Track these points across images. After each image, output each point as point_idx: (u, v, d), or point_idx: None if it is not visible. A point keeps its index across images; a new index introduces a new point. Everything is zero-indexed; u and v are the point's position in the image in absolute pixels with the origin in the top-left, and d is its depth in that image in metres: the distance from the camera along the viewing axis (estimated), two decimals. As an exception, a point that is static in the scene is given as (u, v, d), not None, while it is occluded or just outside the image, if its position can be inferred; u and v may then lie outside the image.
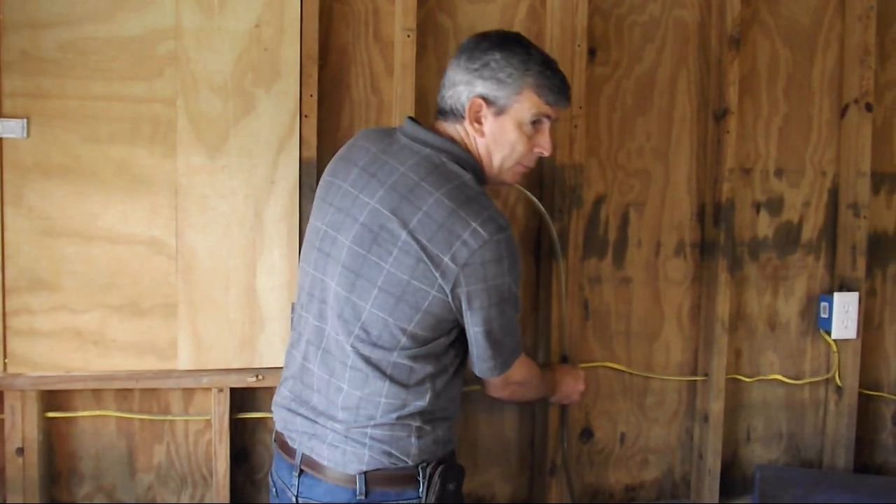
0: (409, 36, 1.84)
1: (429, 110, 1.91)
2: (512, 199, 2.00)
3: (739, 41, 2.06)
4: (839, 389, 2.21)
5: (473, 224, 1.36)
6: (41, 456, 1.76)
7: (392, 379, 1.42)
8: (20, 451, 1.74)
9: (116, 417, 1.82)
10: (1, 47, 1.67)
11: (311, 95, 1.80)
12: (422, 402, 1.43)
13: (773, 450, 2.24)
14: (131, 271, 1.75)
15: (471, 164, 1.47)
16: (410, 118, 1.52)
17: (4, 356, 1.71)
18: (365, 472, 1.42)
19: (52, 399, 1.78)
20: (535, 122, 1.49)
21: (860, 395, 2.23)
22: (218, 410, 1.82)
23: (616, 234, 2.08)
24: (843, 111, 2.19)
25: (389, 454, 1.42)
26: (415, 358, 1.42)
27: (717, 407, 2.11)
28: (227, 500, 1.84)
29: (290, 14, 1.78)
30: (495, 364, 1.49)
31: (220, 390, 1.81)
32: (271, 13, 1.77)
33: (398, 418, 1.42)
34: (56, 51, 1.69)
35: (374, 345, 1.41)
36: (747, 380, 2.19)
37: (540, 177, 2.00)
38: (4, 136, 1.68)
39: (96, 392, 1.80)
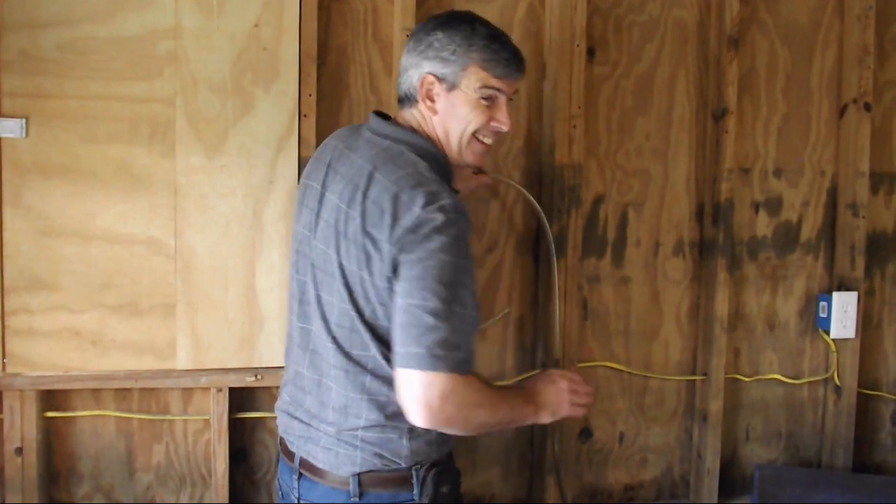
0: (407, 35, 1.84)
1: (428, 110, 1.92)
2: (510, 199, 2.00)
3: (738, 41, 2.06)
4: (838, 389, 2.22)
5: (415, 207, 1.34)
6: (40, 456, 1.76)
7: (373, 375, 1.41)
8: (19, 450, 1.74)
9: (115, 417, 1.82)
10: (0, 47, 1.67)
11: (310, 95, 1.80)
12: None
13: (772, 449, 2.24)
14: (130, 271, 1.75)
15: (430, 152, 1.45)
16: (375, 112, 1.52)
17: (3, 356, 1.71)
18: (358, 474, 1.42)
19: (51, 399, 1.78)
20: (490, 97, 1.46)
21: (859, 394, 2.23)
22: (217, 410, 1.82)
23: (615, 234, 2.08)
24: (842, 111, 2.19)
25: (381, 456, 1.42)
26: (388, 355, 1.40)
27: (715, 406, 2.11)
28: (226, 500, 1.83)
29: (288, 14, 1.78)
30: (420, 354, 1.31)
31: (219, 390, 1.81)
32: (270, 13, 1.77)
33: (387, 418, 1.41)
34: (55, 50, 1.69)
35: (350, 341, 1.41)
36: (746, 379, 2.20)
37: (539, 176, 2.00)
38: (3, 135, 1.68)
39: (95, 392, 1.80)
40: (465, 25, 1.46)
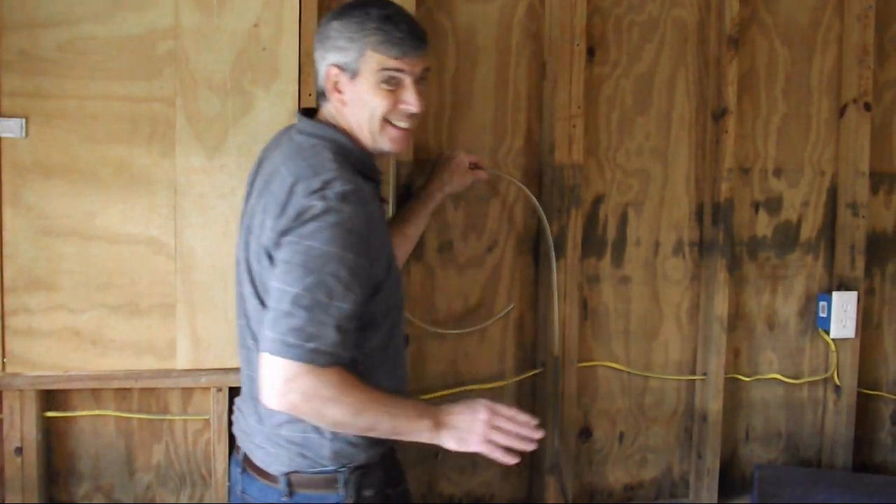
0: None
1: (427, 110, 1.90)
2: (510, 198, 2.00)
3: (738, 41, 2.06)
4: (838, 389, 2.22)
5: (301, 196, 1.33)
6: (40, 455, 1.76)
7: None
8: (19, 450, 1.74)
9: (115, 417, 1.82)
10: (0, 46, 1.67)
11: (310, 95, 1.79)
12: None
13: (771, 449, 2.24)
14: (130, 271, 1.75)
15: (343, 145, 1.44)
16: (303, 109, 1.54)
17: (3, 356, 1.71)
18: (287, 474, 1.43)
19: (51, 399, 1.78)
20: (392, 80, 1.43)
21: (859, 394, 2.23)
22: (217, 410, 1.81)
23: (615, 234, 2.08)
24: (842, 111, 2.19)
25: (305, 456, 1.42)
26: None
27: (715, 406, 2.11)
28: (226, 500, 1.83)
29: (288, 13, 1.77)
30: (272, 338, 1.30)
31: (219, 389, 1.81)
32: (270, 12, 1.76)
33: None
34: (55, 50, 1.69)
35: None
36: (746, 379, 2.20)
37: (539, 176, 2.00)
38: (3, 135, 1.68)
39: (95, 392, 1.80)
40: (358, 11, 1.44)
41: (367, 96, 1.44)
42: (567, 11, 1.94)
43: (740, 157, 2.14)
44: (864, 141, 2.17)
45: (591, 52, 2.01)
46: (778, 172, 2.18)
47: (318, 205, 1.32)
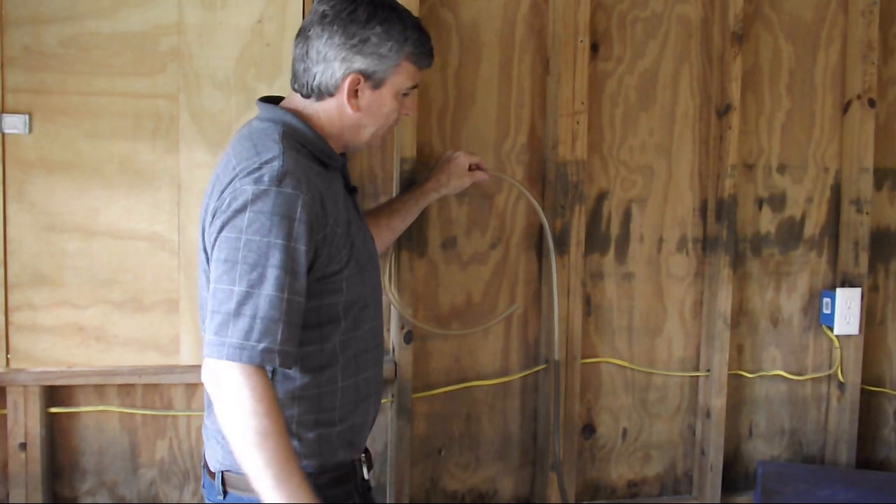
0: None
1: (430, 106, 1.91)
2: (514, 195, 2.00)
3: (742, 37, 2.06)
4: (841, 385, 2.21)
5: (235, 177, 1.28)
6: (44, 451, 1.76)
7: None
8: (23, 446, 1.74)
9: (119, 413, 1.82)
10: (3, 43, 1.67)
11: (314, 91, 1.79)
12: None
13: (775, 446, 2.24)
14: (133, 267, 1.75)
15: (292, 125, 1.37)
16: (263, 98, 1.47)
17: (7, 351, 1.72)
18: (222, 472, 1.39)
19: (55, 394, 1.78)
20: (413, 88, 1.44)
21: (862, 390, 2.23)
22: (220, 406, 1.82)
23: (618, 230, 2.07)
24: (846, 107, 2.19)
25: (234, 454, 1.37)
26: None
27: (719, 403, 2.11)
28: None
29: (292, 9, 1.77)
30: (207, 340, 1.25)
31: (223, 386, 1.81)
32: (273, 8, 1.77)
33: None
34: (58, 46, 1.69)
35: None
36: (749, 375, 2.19)
37: (542, 173, 2.00)
38: (7, 131, 1.68)
39: (99, 387, 1.80)
40: (396, 17, 1.38)
41: (388, 107, 1.42)
42: (571, 7, 1.93)
43: (744, 154, 2.13)
44: (868, 137, 2.16)
45: (594, 48, 2.01)
46: (782, 169, 2.17)
47: (249, 189, 1.25)
